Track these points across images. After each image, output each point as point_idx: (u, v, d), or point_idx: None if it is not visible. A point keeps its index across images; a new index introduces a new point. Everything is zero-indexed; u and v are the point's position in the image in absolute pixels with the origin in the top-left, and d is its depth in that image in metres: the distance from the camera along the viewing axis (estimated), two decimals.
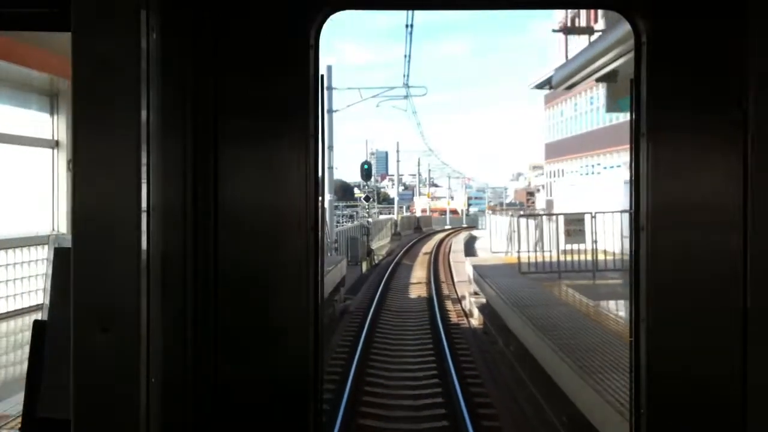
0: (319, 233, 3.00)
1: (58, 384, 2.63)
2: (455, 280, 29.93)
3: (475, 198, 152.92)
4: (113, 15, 2.42)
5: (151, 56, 2.47)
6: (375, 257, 39.75)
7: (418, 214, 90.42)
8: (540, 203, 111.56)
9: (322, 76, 3.06)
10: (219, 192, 2.97)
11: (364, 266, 34.49)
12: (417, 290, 26.31)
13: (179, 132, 2.84)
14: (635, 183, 3.01)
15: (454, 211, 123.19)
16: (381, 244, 50.55)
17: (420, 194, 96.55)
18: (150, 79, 2.47)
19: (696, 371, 3.02)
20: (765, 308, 2.91)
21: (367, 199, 50.06)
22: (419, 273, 34.12)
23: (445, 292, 25.40)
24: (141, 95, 2.42)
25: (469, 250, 58.03)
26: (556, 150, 55.47)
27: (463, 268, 36.59)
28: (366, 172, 44.48)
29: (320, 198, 3.03)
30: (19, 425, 2.81)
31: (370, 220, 41.98)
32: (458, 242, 64.10)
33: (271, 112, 3.01)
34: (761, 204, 2.90)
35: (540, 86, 70.62)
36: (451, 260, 40.54)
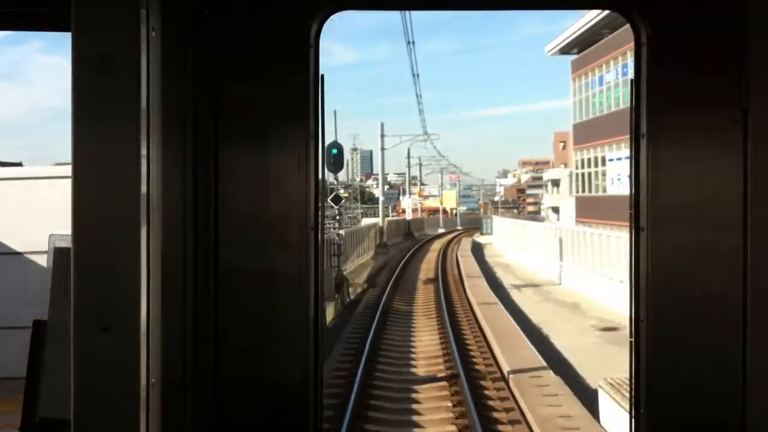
0: (320, 233, 3.27)
1: (58, 384, 2.80)
2: (500, 362, 16.07)
3: (464, 196, 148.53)
4: (113, 15, 2.59)
5: (151, 56, 2.67)
6: (350, 291, 28.92)
7: (408, 215, 74.34)
8: (553, 200, 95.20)
9: (323, 75, 3.28)
10: (219, 192, 3.19)
11: (331, 310, 23.68)
12: (433, 410, 12.71)
13: (179, 132, 3.09)
14: (635, 183, 3.29)
15: (443, 211, 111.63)
16: (361, 261, 39.69)
17: (409, 193, 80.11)
18: (150, 79, 2.68)
19: (696, 371, 3.24)
20: (765, 308, 3.14)
21: (336, 200, 34.38)
22: (427, 339, 17.60)
23: (496, 410, 12.39)
24: (141, 95, 2.62)
25: (483, 264, 41.63)
26: (592, 131, 40.82)
27: (499, 318, 21.88)
28: (335, 160, 28.46)
29: (320, 198, 3.27)
30: (19, 425, 3.08)
31: (341, 232, 26.38)
32: (465, 254, 48.99)
33: (271, 112, 3.23)
34: (761, 204, 3.13)
35: (566, 50, 52.86)
36: (471, 296, 25.84)
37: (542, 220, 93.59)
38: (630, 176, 3.27)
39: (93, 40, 2.50)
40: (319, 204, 3.22)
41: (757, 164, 3.08)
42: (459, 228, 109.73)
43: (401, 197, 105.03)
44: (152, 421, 2.60)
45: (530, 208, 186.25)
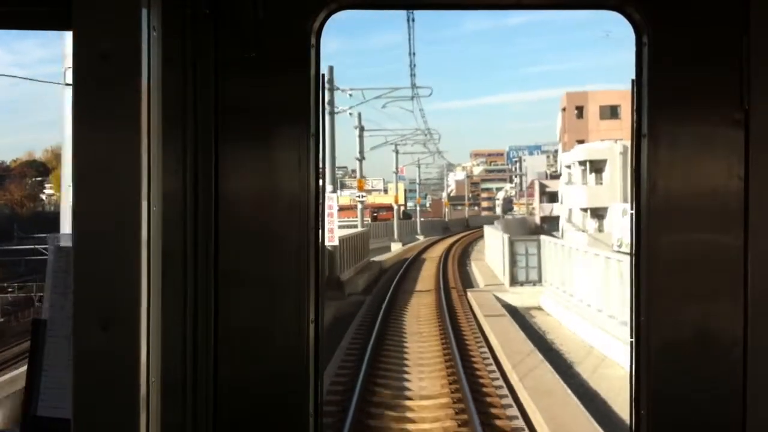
0: (320, 232, 3.30)
1: (58, 384, 2.84)
2: None
3: (410, 191, 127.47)
4: (114, 14, 2.57)
5: (151, 55, 2.64)
6: None
7: (332, 236, 32.19)
8: (592, 199, 57.26)
9: (323, 75, 3.28)
10: (219, 191, 3.19)
11: None
12: None
13: (180, 131, 3.06)
14: (636, 183, 3.30)
15: (389, 207, 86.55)
16: None
17: (342, 187, 44.69)
18: (150, 78, 2.65)
19: (696, 372, 3.23)
20: (765, 308, 3.14)
21: None
22: None
23: None
24: (141, 94, 2.59)
25: None
26: None
27: None
28: None
29: (321, 197, 3.31)
30: (19, 425, 3.03)
31: None
32: None
33: (272, 112, 3.22)
34: (762, 204, 3.13)
35: None
36: None
37: (539, 227, 59.21)
38: (630, 176, 3.32)
39: (93, 40, 2.48)
40: (320, 204, 3.24)
41: (758, 164, 3.10)
42: (420, 237, 75.58)
43: (338, 191, 71.59)
44: (152, 421, 2.57)
45: (485, 204, 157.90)
